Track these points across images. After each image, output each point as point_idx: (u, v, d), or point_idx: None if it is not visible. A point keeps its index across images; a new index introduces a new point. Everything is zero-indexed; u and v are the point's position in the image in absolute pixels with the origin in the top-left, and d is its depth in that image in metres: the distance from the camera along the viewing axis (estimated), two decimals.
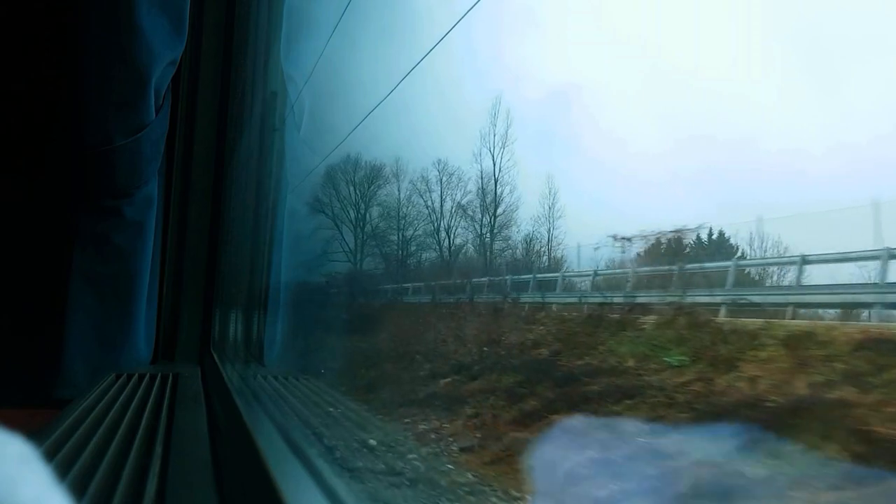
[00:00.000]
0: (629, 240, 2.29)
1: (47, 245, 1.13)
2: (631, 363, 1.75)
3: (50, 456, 0.54)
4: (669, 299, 2.00)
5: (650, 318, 1.93)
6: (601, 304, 2.30)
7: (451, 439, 1.66)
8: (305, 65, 1.44)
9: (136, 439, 0.63)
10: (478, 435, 1.67)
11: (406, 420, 1.85)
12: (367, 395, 2.22)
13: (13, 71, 1.13)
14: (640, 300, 2.16)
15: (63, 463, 0.53)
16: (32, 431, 0.28)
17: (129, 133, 1.05)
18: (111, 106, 1.04)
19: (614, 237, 2.35)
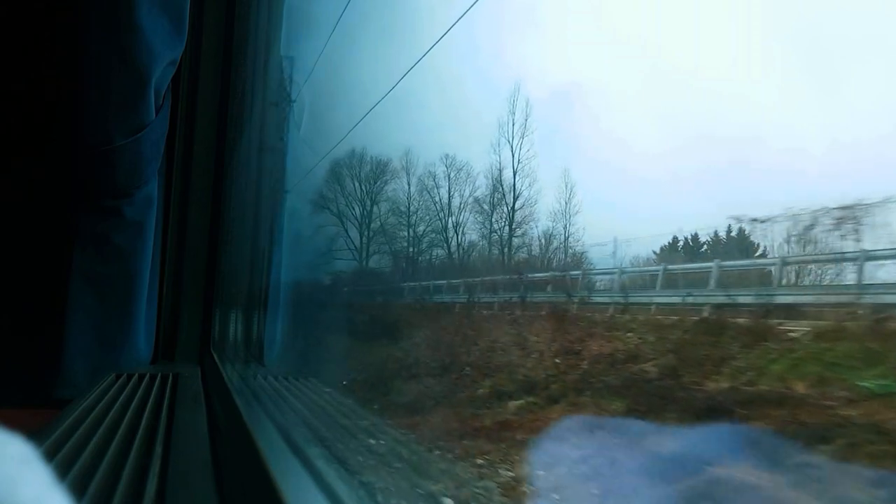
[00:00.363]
0: (765, 221, 1.72)
1: (47, 245, 1.13)
2: (801, 388, 1.28)
3: (50, 456, 0.54)
4: (836, 298, 1.47)
5: (801, 325, 1.44)
6: (718, 306, 1.74)
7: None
8: (306, 65, 1.44)
9: (136, 439, 0.63)
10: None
11: (478, 461, 1.33)
12: (410, 418, 1.73)
13: (13, 71, 1.13)
14: (781, 300, 1.60)
15: (63, 463, 0.53)
16: (32, 431, 0.28)
17: (129, 133, 1.05)
18: (111, 106, 1.04)
19: (737, 218, 1.81)
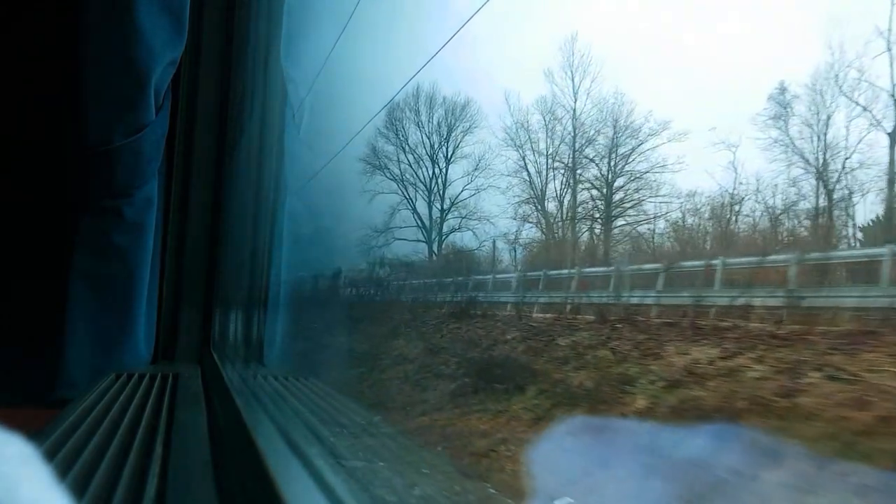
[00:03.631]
0: None
1: (47, 245, 1.13)
2: None
3: (50, 456, 0.54)
4: None
5: None
6: None
7: None
8: (306, 65, 1.44)
9: (136, 439, 0.63)
10: None
11: None
12: None
13: (13, 71, 1.13)
14: None
15: (63, 463, 0.53)
16: (32, 431, 0.28)
17: (129, 133, 1.05)
18: (111, 106, 1.04)
19: None
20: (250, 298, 1.29)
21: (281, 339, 1.32)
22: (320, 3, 1.76)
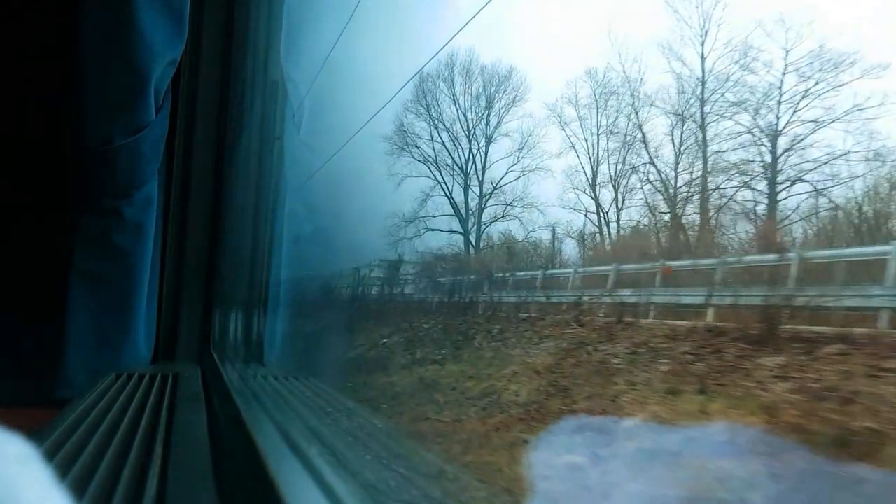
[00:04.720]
0: None
1: (47, 245, 1.13)
2: None
3: (50, 456, 0.54)
4: None
5: None
6: None
7: None
8: (306, 65, 1.44)
9: (136, 439, 0.63)
10: None
11: None
12: None
13: (13, 71, 1.13)
14: None
15: (63, 463, 0.53)
16: (32, 431, 0.28)
17: (129, 133, 1.05)
18: (111, 106, 1.04)
19: None
20: (250, 298, 1.29)
21: (281, 339, 1.32)
22: (320, 3, 1.76)
